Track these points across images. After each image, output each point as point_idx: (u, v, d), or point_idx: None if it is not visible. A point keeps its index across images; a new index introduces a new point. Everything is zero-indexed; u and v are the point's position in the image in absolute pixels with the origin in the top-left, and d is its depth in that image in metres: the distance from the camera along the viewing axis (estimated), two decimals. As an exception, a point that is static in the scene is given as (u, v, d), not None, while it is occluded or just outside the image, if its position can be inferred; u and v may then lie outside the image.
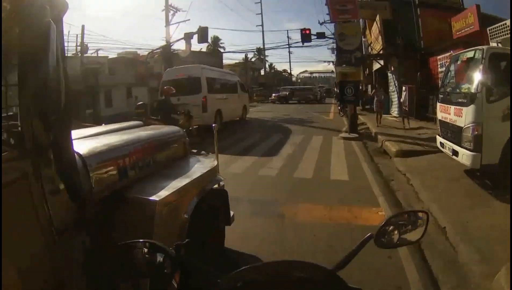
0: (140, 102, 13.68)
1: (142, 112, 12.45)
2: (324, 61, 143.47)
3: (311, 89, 56.11)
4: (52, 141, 2.12)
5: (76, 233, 2.44)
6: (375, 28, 24.11)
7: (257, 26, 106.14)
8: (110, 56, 38.02)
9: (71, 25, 39.34)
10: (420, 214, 1.74)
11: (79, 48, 32.72)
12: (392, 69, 22.34)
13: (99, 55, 36.62)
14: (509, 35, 11.68)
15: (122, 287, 2.79)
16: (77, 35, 33.69)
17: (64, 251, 2.26)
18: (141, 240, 1.60)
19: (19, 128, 1.98)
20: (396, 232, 1.68)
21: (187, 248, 1.60)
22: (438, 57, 17.99)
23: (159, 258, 1.54)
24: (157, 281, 2.67)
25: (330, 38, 26.36)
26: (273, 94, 53.56)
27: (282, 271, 1.45)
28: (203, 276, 1.53)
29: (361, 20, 25.02)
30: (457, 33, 17.25)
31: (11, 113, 2.11)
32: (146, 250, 1.58)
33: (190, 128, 12.77)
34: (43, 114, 2.02)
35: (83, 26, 33.07)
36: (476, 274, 4.14)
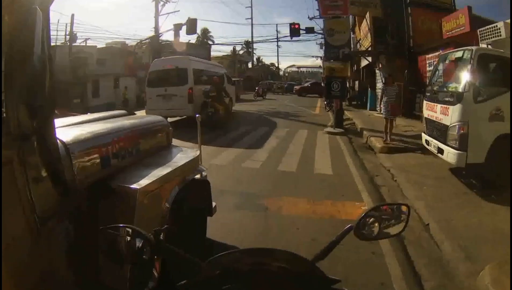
0: (210, 87, 16.89)
1: (215, 95, 16.43)
2: (312, 56, 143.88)
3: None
4: (35, 128, 2.08)
5: (59, 221, 2.38)
6: (365, 25, 24.14)
7: (246, 19, 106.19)
8: (99, 46, 37.89)
9: (61, 14, 39.01)
10: (402, 208, 1.72)
11: (68, 37, 32.43)
12: (380, 66, 22.38)
13: (87, 44, 36.41)
14: (499, 37, 11.74)
15: (103, 273, 2.77)
16: (66, 24, 33.44)
17: (47, 239, 2.21)
18: (121, 225, 1.56)
19: (4, 115, 1.89)
20: (376, 224, 1.66)
21: (167, 235, 1.56)
22: (427, 56, 18.02)
23: (139, 243, 1.52)
24: (137, 266, 2.62)
25: (319, 33, 26.47)
26: None
27: (261, 259, 1.44)
28: (182, 263, 1.48)
29: (350, 16, 25.07)
30: (447, 33, 17.30)
31: None
32: (126, 235, 1.55)
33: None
34: (27, 101, 1.98)
35: (72, 15, 32.85)
36: (460, 272, 4.14)
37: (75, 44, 33.49)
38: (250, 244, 4.72)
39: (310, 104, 33.47)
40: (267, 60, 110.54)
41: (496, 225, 5.16)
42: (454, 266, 4.28)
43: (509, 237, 4.24)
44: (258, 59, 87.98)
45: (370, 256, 4.60)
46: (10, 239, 1.88)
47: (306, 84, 54.17)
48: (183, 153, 4.34)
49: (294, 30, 23.61)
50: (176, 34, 26.54)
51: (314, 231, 5.39)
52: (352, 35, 26.62)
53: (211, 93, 16.41)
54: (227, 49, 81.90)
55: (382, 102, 12.95)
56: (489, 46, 11.66)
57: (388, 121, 12.34)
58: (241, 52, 73.83)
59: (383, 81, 19.22)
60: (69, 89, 26.15)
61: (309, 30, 25.27)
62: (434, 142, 8.20)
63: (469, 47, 7.90)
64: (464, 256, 4.36)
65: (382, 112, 13.00)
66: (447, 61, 8.85)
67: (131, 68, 36.77)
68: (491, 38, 12.21)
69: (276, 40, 62.83)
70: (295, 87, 55.37)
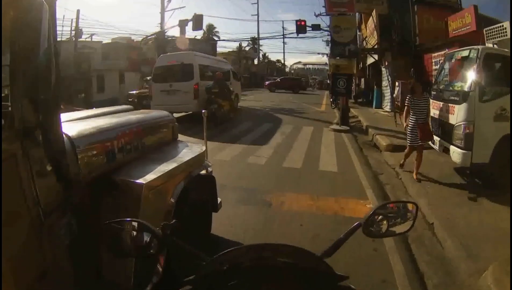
0: (210, 84, 16.79)
1: (217, 91, 16.38)
2: (318, 53, 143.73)
3: None
4: (40, 122, 2.10)
5: (63, 215, 2.40)
6: (371, 22, 24.01)
7: (252, 15, 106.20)
8: (104, 42, 37.95)
9: (66, 10, 39.11)
10: (409, 206, 1.72)
11: (73, 32, 32.48)
12: (386, 64, 22.26)
13: (93, 40, 36.48)
14: (505, 37, 11.70)
15: (106, 268, 2.79)
16: (71, 19, 33.46)
17: (51, 232, 2.23)
18: (127, 219, 1.58)
19: (9, 109, 1.91)
20: (385, 222, 1.66)
21: (173, 230, 1.57)
22: (433, 54, 17.91)
23: (145, 238, 1.54)
24: (142, 261, 2.64)
25: (325, 30, 26.31)
26: None
27: (269, 255, 1.44)
28: (188, 258, 1.49)
29: (356, 13, 24.97)
30: (453, 32, 17.23)
31: (2, 94, 2.05)
32: (132, 229, 1.57)
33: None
34: (32, 95, 2.01)
35: (78, 11, 32.94)
36: (463, 270, 4.15)
37: (80, 39, 33.57)
38: (253, 239, 4.77)
39: (316, 101, 33.34)
40: (273, 57, 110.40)
41: (498, 224, 5.16)
42: (456, 264, 4.30)
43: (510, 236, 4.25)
44: (264, 55, 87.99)
45: (372, 253, 4.63)
46: (14, 231, 1.91)
47: (276, 80, 54.16)
48: (189, 149, 4.36)
49: (300, 27, 23.57)
50: (182, 30, 26.55)
51: (318, 228, 5.43)
52: (358, 33, 26.49)
53: (214, 89, 16.42)
54: (233, 46, 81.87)
55: (408, 121, 8.20)
56: (495, 46, 11.62)
57: (412, 150, 8.28)
58: (247, 48, 73.77)
59: (389, 79, 18.91)
60: (73, 84, 26.24)
61: (315, 27, 25.13)
62: (440, 141, 8.18)
63: (475, 46, 7.87)
64: (466, 254, 4.37)
65: (407, 135, 8.25)
66: (453, 60, 8.82)
67: (135, 63, 36.81)
68: (497, 37, 12.17)
69: (282, 36, 62.89)
70: (266, 82, 55.35)
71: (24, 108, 1.96)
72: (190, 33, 47.32)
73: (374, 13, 22.66)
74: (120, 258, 2.61)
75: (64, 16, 35.20)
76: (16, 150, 1.92)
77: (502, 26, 12.01)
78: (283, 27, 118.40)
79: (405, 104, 8.34)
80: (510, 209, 5.29)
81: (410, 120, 8.04)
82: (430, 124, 8.33)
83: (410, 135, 8.08)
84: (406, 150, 8.52)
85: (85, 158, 2.75)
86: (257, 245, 1.47)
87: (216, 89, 16.45)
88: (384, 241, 4.77)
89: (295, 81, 52.27)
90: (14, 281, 1.91)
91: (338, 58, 19.54)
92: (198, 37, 49.38)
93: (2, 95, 2.00)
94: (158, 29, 31.00)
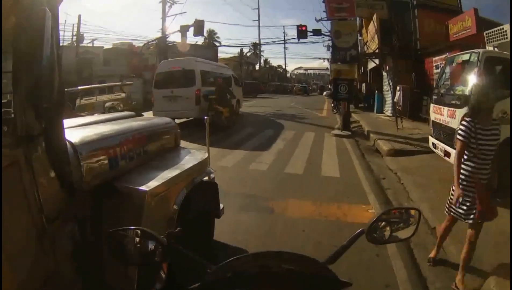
0: (211, 89, 16.98)
1: (215, 97, 16.45)
2: (319, 58, 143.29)
3: None
4: (43, 129, 2.10)
5: (66, 222, 2.41)
6: (372, 27, 24.06)
7: (253, 21, 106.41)
8: (106, 47, 38.12)
9: (67, 15, 39.46)
10: (412, 212, 1.73)
11: (75, 37, 32.64)
12: (387, 68, 22.28)
13: (94, 45, 36.63)
14: (506, 40, 11.72)
15: (109, 275, 2.79)
16: (73, 24, 33.71)
17: (54, 239, 2.24)
18: (132, 227, 1.58)
19: (12, 115, 1.93)
20: (388, 228, 1.67)
21: (178, 237, 1.57)
22: (434, 58, 17.93)
23: (150, 246, 1.53)
24: (146, 268, 2.64)
25: (326, 35, 26.34)
26: None
27: (273, 262, 1.44)
28: (193, 266, 1.50)
29: (357, 18, 25.04)
30: (454, 35, 17.27)
31: (5, 101, 2.06)
32: (136, 237, 1.56)
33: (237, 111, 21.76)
34: (35, 102, 2.01)
35: (79, 16, 33.22)
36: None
37: (81, 44, 33.71)
38: (256, 246, 4.76)
39: (317, 106, 33.30)
40: (274, 62, 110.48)
41: (500, 228, 5.13)
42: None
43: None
44: (265, 61, 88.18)
45: (375, 258, 4.63)
46: (17, 237, 1.92)
47: None
48: (191, 155, 4.36)
49: (301, 32, 23.62)
50: (183, 36, 26.63)
51: (320, 234, 5.42)
52: (359, 37, 26.56)
53: (210, 96, 16.52)
54: (234, 51, 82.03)
55: (462, 170, 4.16)
56: (496, 49, 11.64)
57: (452, 224, 4.55)
58: (248, 54, 73.87)
59: (390, 84, 18.79)
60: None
61: (316, 32, 25.18)
62: (441, 145, 8.17)
63: (475, 50, 7.90)
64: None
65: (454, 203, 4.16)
66: (454, 64, 8.83)
67: (136, 69, 36.89)
68: (498, 40, 12.21)
69: (283, 42, 63.07)
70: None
71: (27, 114, 1.97)
72: (191, 38, 47.65)
73: (374, 17, 22.72)
74: (123, 265, 2.62)
75: (65, 21, 35.40)
76: (19, 156, 1.94)
77: (502, 28, 12.04)
78: (284, 32, 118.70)
79: (458, 137, 4.17)
80: (510, 211, 5.29)
81: (464, 171, 4.16)
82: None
83: (466, 206, 4.14)
84: (442, 224, 4.67)
85: (88, 164, 2.75)
86: (261, 253, 1.47)
87: (215, 95, 16.51)
88: (386, 246, 4.76)
89: (253, 85, 53.88)
90: (17, 287, 1.92)
91: (339, 63, 19.58)
92: (199, 42, 49.66)
93: (5, 101, 2.02)
94: (159, 34, 31.12)
